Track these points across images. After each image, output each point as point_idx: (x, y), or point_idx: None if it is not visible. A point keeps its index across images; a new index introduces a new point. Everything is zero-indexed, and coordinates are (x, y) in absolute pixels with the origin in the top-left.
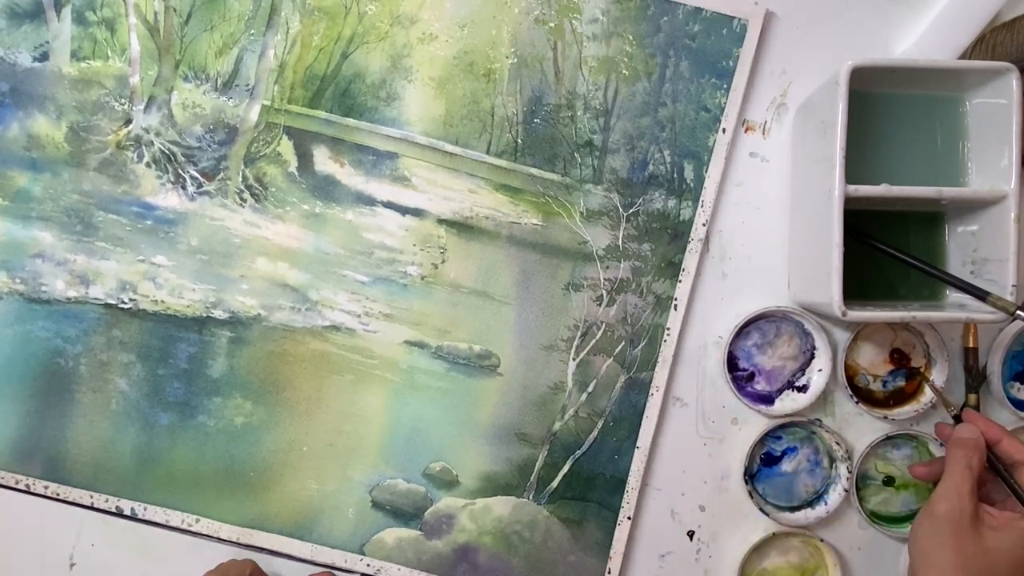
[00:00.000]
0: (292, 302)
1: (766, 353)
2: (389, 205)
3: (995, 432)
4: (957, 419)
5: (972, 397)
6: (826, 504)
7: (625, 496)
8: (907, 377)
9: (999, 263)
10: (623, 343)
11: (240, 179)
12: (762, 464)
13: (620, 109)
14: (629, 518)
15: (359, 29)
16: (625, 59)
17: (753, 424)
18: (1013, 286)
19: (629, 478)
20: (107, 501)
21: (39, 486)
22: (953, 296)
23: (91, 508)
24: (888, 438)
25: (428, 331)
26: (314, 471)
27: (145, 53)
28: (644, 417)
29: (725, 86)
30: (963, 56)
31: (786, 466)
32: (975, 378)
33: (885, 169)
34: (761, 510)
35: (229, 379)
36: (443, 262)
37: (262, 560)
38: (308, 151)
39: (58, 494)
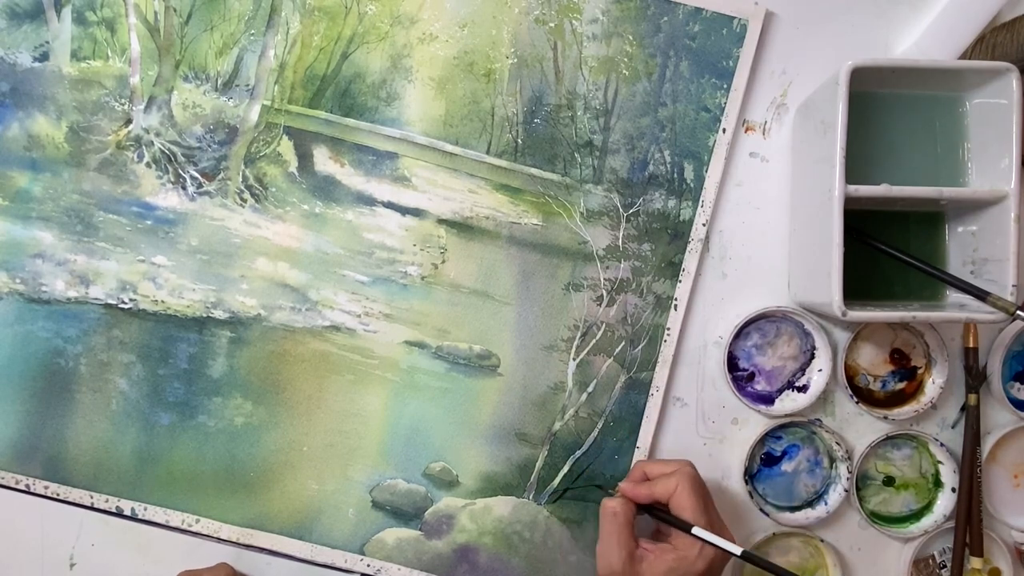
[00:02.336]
0: (292, 302)
1: (766, 353)
2: (389, 205)
3: (642, 492)
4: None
5: (972, 397)
6: (826, 504)
7: None
8: (907, 377)
9: (999, 263)
10: (623, 343)
11: (240, 179)
12: (762, 464)
13: (620, 109)
14: None
15: (359, 29)
16: (625, 59)
17: (753, 424)
18: (1013, 286)
19: None
20: (107, 501)
21: (39, 486)
22: (953, 296)
23: (91, 508)
24: (888, 438)
25: (428, 331)
26: (314, 471)
27: (145, 53)
28: (644, 417)
29: (725, 86)
30: (963, 56)
31: (786, 466)
32: (975, 378)
33: (885, 169)
34: (761, 510)
35: (229, 379)
36: (443, 262)
37: (262, 560)
38: (308, 151)
39: (58, 494)
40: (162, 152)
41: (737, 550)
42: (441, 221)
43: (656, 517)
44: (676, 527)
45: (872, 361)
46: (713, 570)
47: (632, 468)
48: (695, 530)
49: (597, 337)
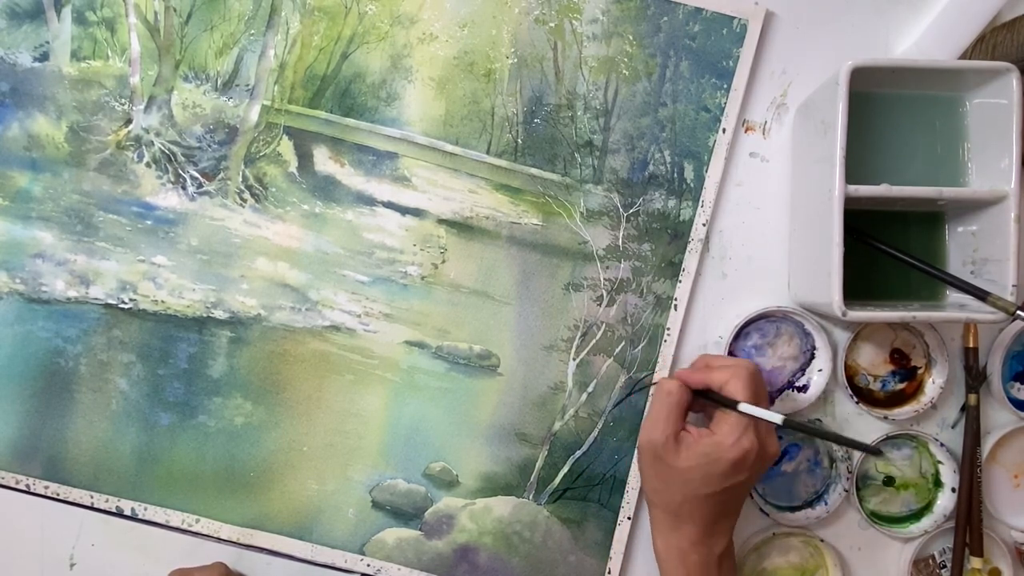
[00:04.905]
0: (292, 302)
1: (766, 353)
2: (389, 205)
3: (698, 378)
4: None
5: (972, 397)
6: (826, 504)
7: (625, 496)
8: (907, 377)
9: (999, 263)
10: (623, 343)
11: (240, 179)
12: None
13: (620, 109)
14: (629, 518)
15: (359, 29)
16: (625, 59)
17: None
18: (1013, 286)
19: (629, 478)
20: (107, 501)
21: (39, 486)
22: (953, 296)
23: (91, 508)
24: (888, 438)
25: (428, 331)
26: (314, 471)
27: (145, 53)
28: (644, 416)
29: (725, 86)
30: (963, 56)
31: (786, 466)
32: (975, 378)
33: (885, 169)
34: (761, 510)
35: (229, 379)
36: (443, 262)
37: (262, 560)
38: (308, 151)
39: (58, 494)
40: (162, 152)
41: (778, 418)
42: (441, 221)
43: (706, 399)
44: (723, 404)
45: (872, 361)
46: (746, 463)
47: (695, 359)
48: (741, 406)
49: (597, 337)
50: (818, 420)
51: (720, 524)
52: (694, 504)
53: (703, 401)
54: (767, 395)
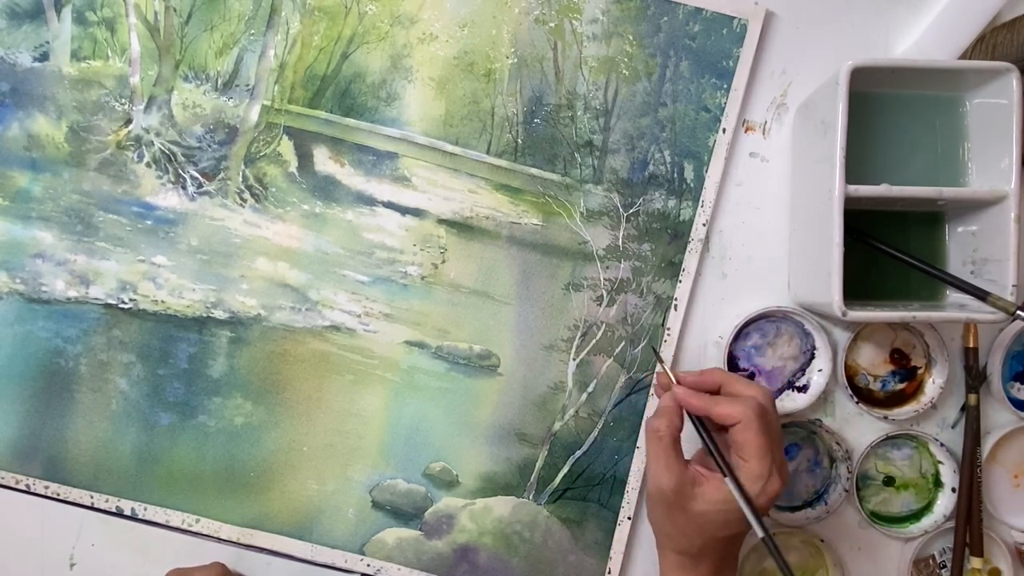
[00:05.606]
0: (292, 302)
1: (766, 353)
2: (389, 205)
3: (701, 405)
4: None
5: (972, 397)
6: (826, 504)
7: (625, 496)
8: (907, 377)
9: (999, 263)
10: (623, 343)
11: (240, 179)
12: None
13: (620, 109)
14: (629, 518)
15: (359, 29)
16: (625, 59)
17: None
18: (1013, 286)
19: (629, 478)
20: (107, 501)
21: (39, 486)
22: (953, 296)
23: (91, 508)
24: (888, 438)
25: (428, 331)
26: (314, 471)
27: (145, 53)
28: (644, 417)
29: (725, 86)
30: (963, 56)
31: None
32: (975, 378)
33: (885, 169)
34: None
35: (229, 379)
36: (443, 262)
37: (262, 560)
38: (308, 151)
39: (58, 494)
40: (162, 152)
41: (760, 532)
42: (441, 221)
43: (701, 437)
44: (716, 462)
45: (872, 361)
46: (770, 504)
47: (708, 370)
48: (728, 481)
49: (597, 337)
50: (818, 420)
51: (732, 556)
52: (711, 545)
53: (700, 434)
54: (780, 430)
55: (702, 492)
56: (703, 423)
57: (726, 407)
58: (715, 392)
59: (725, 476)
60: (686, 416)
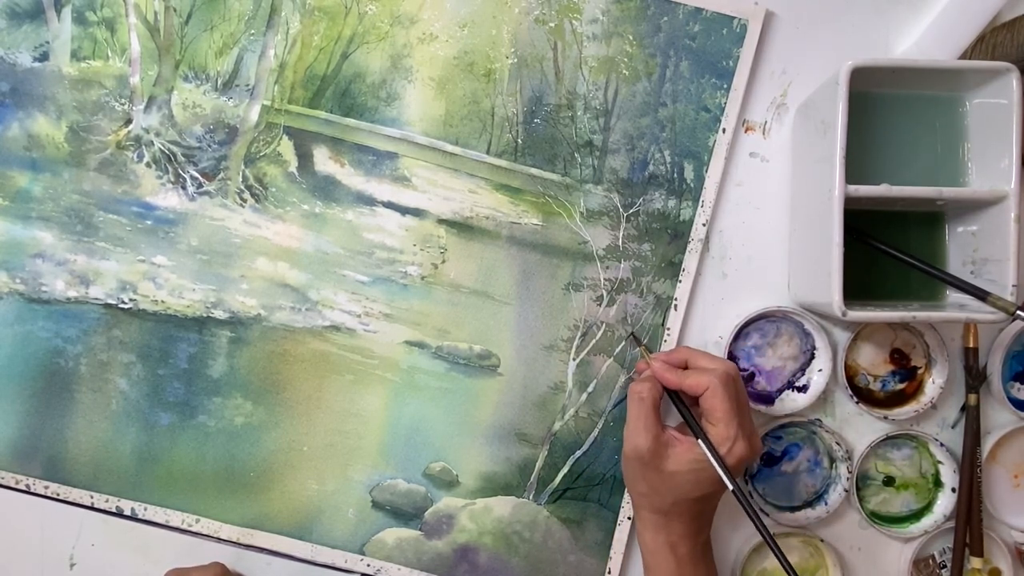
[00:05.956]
0: (292, 302)
1: (766, 353)
2: (389, 205)
3: (672, 379)
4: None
5: (972, 397)
6: (826, 504)
7: (625, 496)
8: (907, 377)
9: (999, 263)
10: (623, 343)
11: (240, 179)
12: (762, 464)
13: (620, 109)
14: (629, 518)
15: (359, 29)
16: (625, 59)
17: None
18: (1013, 286)
19: None
20: (107, 501)
21: (39, 486)
22: (953, 296)
23: (91, 508)
24: (888, 438)
25: (428, 331)
26: (314, 471)
27: (145, 53)
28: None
29: (725, 86)
30: (963, 56)
31: (786, 466)
32: (975, 378)
33: (885, 169)
34: (761, 510)
35: (229, 379)
36: (443, 262)
37: (262, 560)
38: (308, 151)
39: (58, 494)
40: (162, 152)
41: (730, 485)
42: (441, 221)
43: (676, 406)
44: (688, 426)
45: (872, 361)
46: (738, 468)
47: (676, 348)
48: (700, 442)
49: (597, 337)
50: (818, 420)
51: (706, 516)
52: (684, 505)
53: (675, 403)
54: (747, 401)
55: (675, 453)
56: (677, 396)
57: (694, 378)
58: (684, 368)
59: (696, 437)
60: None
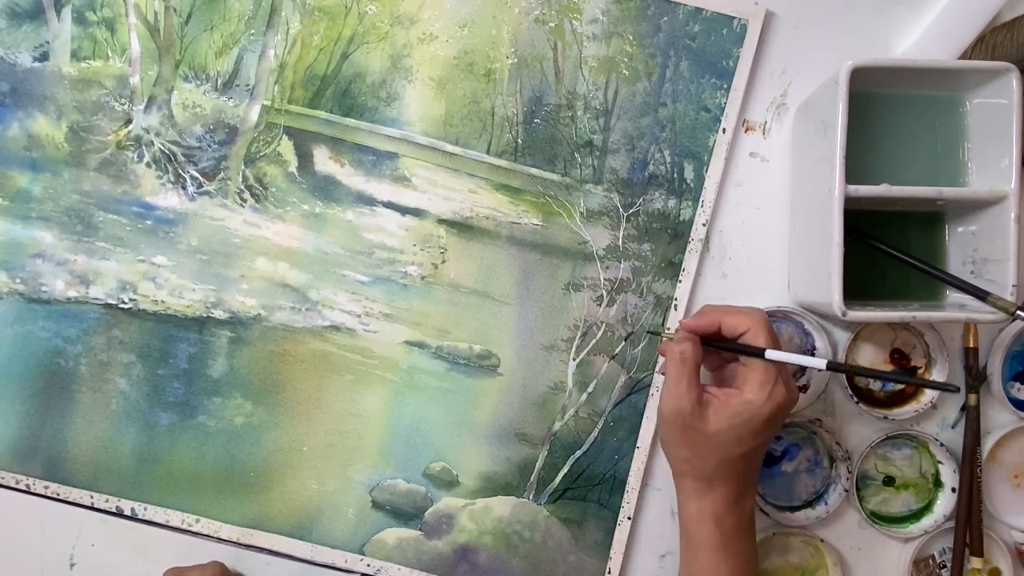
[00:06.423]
0: (292, 302)
1: None
2: (389, 205)
3: (708, 321)
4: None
5: (972, 397)
6: (826, 504)
7: (625, 496)
8: None
9: (999, 263)
10: (623, 343)
11: (240, 179)
12: (762, 464)
13: (620, 109)
14: (629, 518)
15: (359, 29)
16: (625, 59)
17: None
18: (1013, 286)
19: (629, 478)
20: (107, 501)
21: (39, 486)
22: (953, 296)
23: (91, 508)
24: (888, 438)
25: (428, 331)
26: (314, 471)
27: (145, 53)
28: (644, 417)
29: (725, 86)
30: (963, 56)
31: (786, 466)
32: (975, 378)
33: (885, 169)
34: (761, 510)
35: (229, 379)
36: (443, 262)
37: (262, 560)
38: (308, 151)
39: (58, 494)
40: (162, 152)
41: (821, 363)
42: (441, 221)
43: (723, 348)
44: (748, 353)
45: (872, 361)
46: (779, 415)
47: (700, 309)
48: (769, 353)
49: (597, 337)
50: (818, 420)
51: (751, 481)
52: (727, 466)
53: (715, 351)
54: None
55: (714, 411)
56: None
57: (735, 317)
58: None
59: (762, 355)
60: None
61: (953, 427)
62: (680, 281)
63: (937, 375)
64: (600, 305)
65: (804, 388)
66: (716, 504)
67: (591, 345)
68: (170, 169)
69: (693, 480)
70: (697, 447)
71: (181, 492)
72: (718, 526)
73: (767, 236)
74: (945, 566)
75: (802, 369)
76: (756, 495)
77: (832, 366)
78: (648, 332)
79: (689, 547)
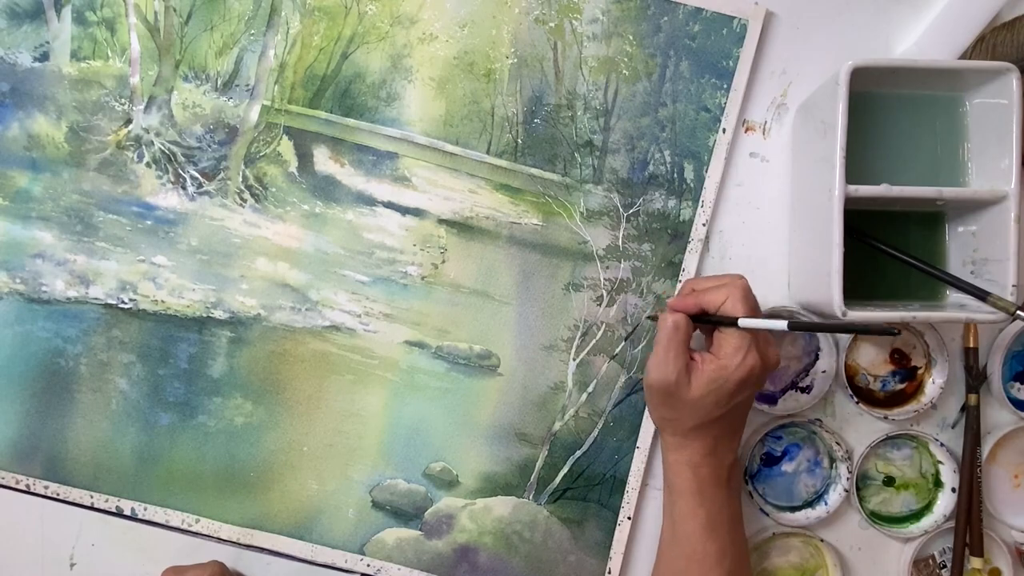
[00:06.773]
0: (292, 302)
1: None
2: (389, 205)
3: (691, 303)
4: (652, 319)
5: (972, 397)
6: (826, 504)
7: (625, 496)
8: (907, 377)
9: (999, 263)
10: (623, 343)
11: (240, 179)
12: (762, 464)
13: (620, 109)
14: (629, 518)
15: (359, 29)
16: (625, 59)
17: (753, 423)
18: (1013, 286)
19: (629, 478)
20: (107, 501)
21: (39, 486)
22: (953, 296)
23: (91, 508)
24: (888, 438)
25: (428, 331)
26: (314, 471)
27: (145, 53)
28: (644, 417)
29: (725, 86)
30: (963, 56)
31: (786, 466)
32: (975, 378)
33: (885, 169)
34: (761, 510)
35: (229, 379)
36: (443, 262)
37: (262, 560)
38: (308, 151)
39: (58, 494)
40: (162, 152)
41: (783, 324)
42: (441, 221)
43: (703, 322)
44: (722, 324)
45: (872, 361)
46: (751, 379)
47: (680, 286)
48: (741, 321)
49: (597, 337)
50: (818, 420)
51: (728, 439)
52: (704, 425)
53: (700, 325)
54: (759, 307)
55: (695, 378)
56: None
57: (711, 295)
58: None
59: (735, 324)
60: None
61: (953, 427)
62: (680, 281)
63: (937, 375)
64: (600, 305)
65: (807, 390)
66: (693, 455)
67: (591, 345)
68: (170, 169)
69: (671, 435)
70: (678, 409)
71: (181, 492)
72: (695, 474)
73: (767, 236)
74: (945, 566)
75: (806, 370)
76: (736, 453)
77: (793, 326)
78: (647, 318)
79: (670, 493)
